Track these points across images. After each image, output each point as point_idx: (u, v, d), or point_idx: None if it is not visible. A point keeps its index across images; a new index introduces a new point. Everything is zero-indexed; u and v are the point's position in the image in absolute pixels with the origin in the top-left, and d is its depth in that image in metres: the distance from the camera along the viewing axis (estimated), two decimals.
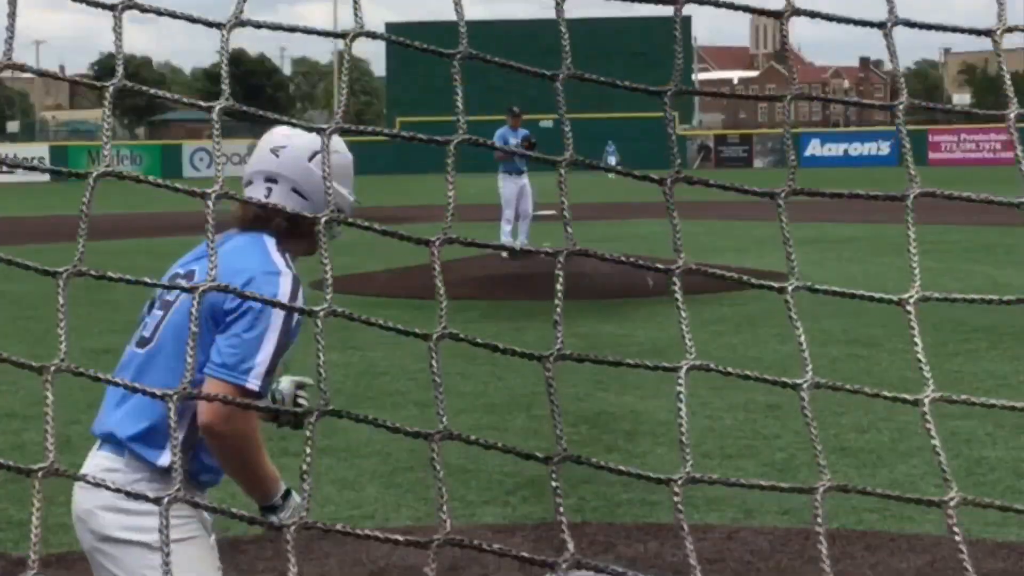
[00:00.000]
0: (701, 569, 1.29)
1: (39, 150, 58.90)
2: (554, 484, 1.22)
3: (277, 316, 3.15)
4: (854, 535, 6.13)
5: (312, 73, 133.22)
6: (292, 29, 1.59)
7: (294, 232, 3.30)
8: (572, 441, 7.11)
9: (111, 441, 3.25)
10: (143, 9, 1.39)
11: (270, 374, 3.21)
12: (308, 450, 1.29)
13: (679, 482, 1.24)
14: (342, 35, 1.50)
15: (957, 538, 1.15)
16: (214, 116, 1.43)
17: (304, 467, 1.27)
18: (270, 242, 3.29)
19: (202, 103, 1.48)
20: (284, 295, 3.18)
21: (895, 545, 6.04)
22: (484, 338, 1.34)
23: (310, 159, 3.32)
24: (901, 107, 1.45)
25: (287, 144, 3.35)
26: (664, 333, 12.03)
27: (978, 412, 8.21)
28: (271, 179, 3.36)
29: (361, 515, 6.65)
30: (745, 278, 1.43)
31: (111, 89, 1.39)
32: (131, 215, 29.74)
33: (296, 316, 3.22)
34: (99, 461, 3.25)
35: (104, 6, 1.39)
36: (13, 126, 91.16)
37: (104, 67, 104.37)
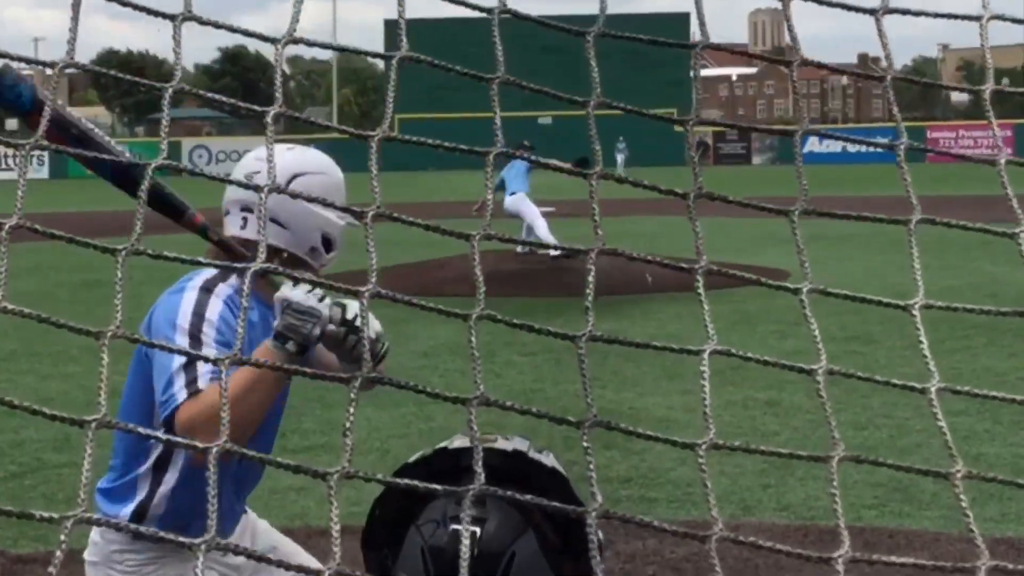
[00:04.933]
0: (699, 566, 1.33)
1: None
2: (585, 445, 1.35)
3: (175, 327, 2.86)
4: (852, 531, 6.13)
5: (311, 71, 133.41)
6: (343, 49, 1.69)
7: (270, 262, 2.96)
8: (570, 436, 7.10)
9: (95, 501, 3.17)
10: (201, 21, 1.45)
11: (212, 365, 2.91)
12: (352, 409, 1.40)
13: (703, 447, 1.38)
14: (388, 56, 1.57)
15: (963, 504, 1.30)
16: (268, 120, 1.49)
17: (347, 425, 1.38)
18: (208, 272, 2.99)
19: (256, 107, 1.54)
20: (187, 303, 2.88)
21: (893, 542, 6.05)
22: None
23: (288, 184, 2.99)
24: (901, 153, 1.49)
25: (261, 170, 2.97)
26: (662, 330, 12.05)
27: (976, 408, 8.21)
28: (247, 208, 3.03)
29: (361, 512, 6.64)
30: (764, 280, 1.52)
31: (169, 91, 1.46)
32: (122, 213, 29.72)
33: (218, 306, 2.89)
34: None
35: (164, 15, 1.46)
36: (12, 123, 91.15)
37: (105, 63, 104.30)
